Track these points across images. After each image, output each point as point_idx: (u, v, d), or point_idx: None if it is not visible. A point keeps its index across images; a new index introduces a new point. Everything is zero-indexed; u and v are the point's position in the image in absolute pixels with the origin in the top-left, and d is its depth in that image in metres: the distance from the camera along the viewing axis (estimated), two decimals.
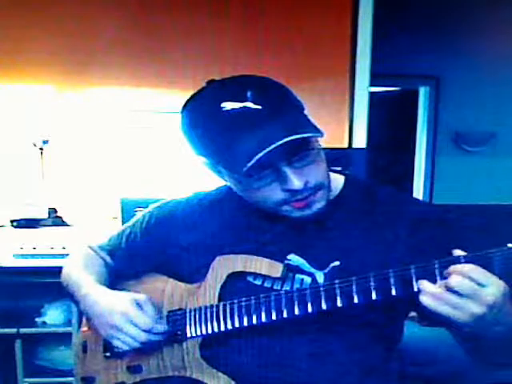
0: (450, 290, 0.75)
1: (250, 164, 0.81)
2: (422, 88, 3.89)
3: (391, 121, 3.93)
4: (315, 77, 2.54)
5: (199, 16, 2.47)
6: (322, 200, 0.92)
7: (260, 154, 0.80)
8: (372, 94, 2.62)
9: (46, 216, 2.28)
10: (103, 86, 2.47)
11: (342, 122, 2.59)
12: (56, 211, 2.30)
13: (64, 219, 2.29)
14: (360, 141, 2.59)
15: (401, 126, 4.04)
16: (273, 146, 0.80)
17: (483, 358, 0.96)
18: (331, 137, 2.60)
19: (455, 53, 3.64)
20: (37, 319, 2.26)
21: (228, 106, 0.85)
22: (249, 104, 0.85)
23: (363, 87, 2.56)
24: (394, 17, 3.15)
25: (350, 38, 2.53)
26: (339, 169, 1.08)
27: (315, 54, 2.54)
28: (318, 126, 0.85)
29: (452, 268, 0.76)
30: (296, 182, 0.87)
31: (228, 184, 1.00)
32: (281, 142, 0.80)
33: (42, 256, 2.08)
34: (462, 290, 0.74)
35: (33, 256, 2.09)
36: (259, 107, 0.85)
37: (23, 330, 2.16)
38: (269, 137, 0.81)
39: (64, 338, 2.22)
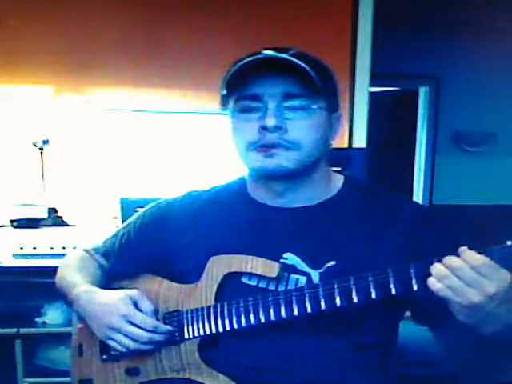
0: (454, 274, 0.75)
1: (233, 70, 0.87)
2: (422, 88, 3.90)
3: (391, 121, 3.92)
4: None
5: (199, 16, 2.47)
6: (290, 160, 0.91)
7: (243, 62, 0.87)
8: (372, 94, 2.62)
9: (45, 216, 2.27)
10: (103, 86, 2.47)
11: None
12: (56, 211, 2.30)
13: (64, 219, 2.29)
14: (360, 141, 2.59)
15: (401, 126, 4.04)
16: (257, 57, 0.88)
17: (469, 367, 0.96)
18: None
19: (455, 53, 3.64)
20: (37, 319, 2.25)
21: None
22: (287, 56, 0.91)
23: (363, 87, 2.56)
24: (394, 17, 3.14)
25: (349, 38, 2.52)
26: (339, 169, 1.08)
27: (315, 53, 2.54)
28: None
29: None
30: (271, 120, 0.87)
31: (218, 185, 1.04)
32: (268, 56, 0.88)
33: (42, 256, 2.07)
34: (462, 275, 0.75)
35: (33, 256, 2.09)
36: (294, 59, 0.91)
37: (23, 330, 2.15)
38: (261, 57, 0.88)
39: (64, 338, 2.21)
